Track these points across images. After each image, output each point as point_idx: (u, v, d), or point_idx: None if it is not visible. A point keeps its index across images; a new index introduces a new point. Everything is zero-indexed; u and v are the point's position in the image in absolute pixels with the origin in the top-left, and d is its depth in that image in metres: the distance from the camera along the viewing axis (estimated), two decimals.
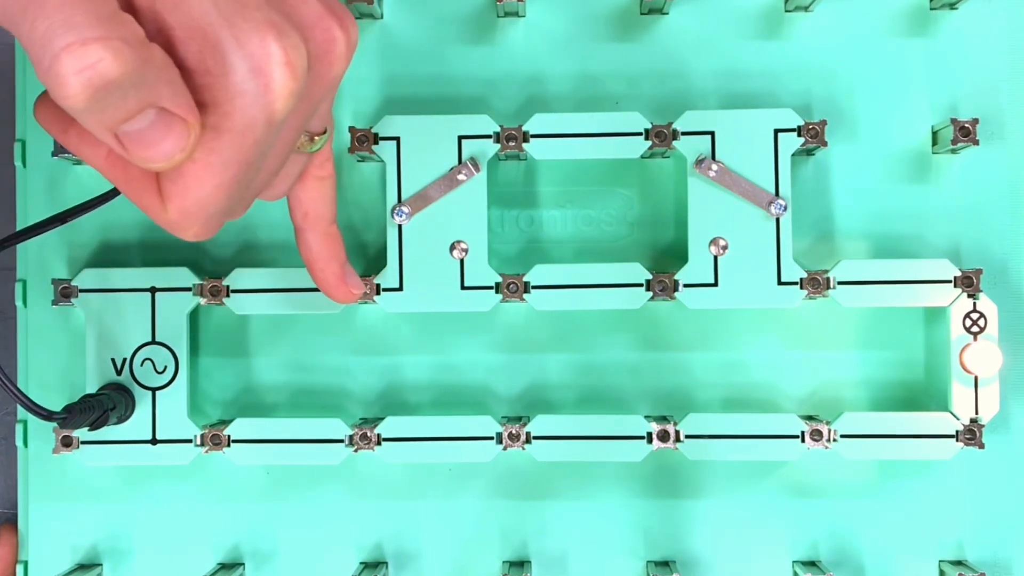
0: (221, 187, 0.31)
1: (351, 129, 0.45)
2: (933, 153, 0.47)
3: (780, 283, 0.44)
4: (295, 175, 0.38)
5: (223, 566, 0.47)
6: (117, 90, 0.27)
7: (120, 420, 0.45)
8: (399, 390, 0.48)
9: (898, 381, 0.47)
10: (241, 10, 0.29)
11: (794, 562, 0.47)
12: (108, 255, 0.48)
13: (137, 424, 0.45)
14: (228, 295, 0.45)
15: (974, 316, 0.44)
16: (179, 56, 0.29)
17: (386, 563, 0.47)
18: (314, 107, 0.33)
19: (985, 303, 0.44)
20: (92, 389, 0.46)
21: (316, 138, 0.36)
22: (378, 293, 0.45)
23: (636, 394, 0.48)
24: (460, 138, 0.44)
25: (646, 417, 0.45)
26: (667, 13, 0.47)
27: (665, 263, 0.47)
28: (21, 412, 0.48)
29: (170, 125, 0.29)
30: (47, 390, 0.47)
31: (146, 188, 0.31)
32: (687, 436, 0.44)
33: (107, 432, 0.45)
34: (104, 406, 0.43)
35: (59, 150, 0.46)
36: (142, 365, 0.46)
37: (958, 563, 0.46)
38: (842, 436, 0.44)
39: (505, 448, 0.45)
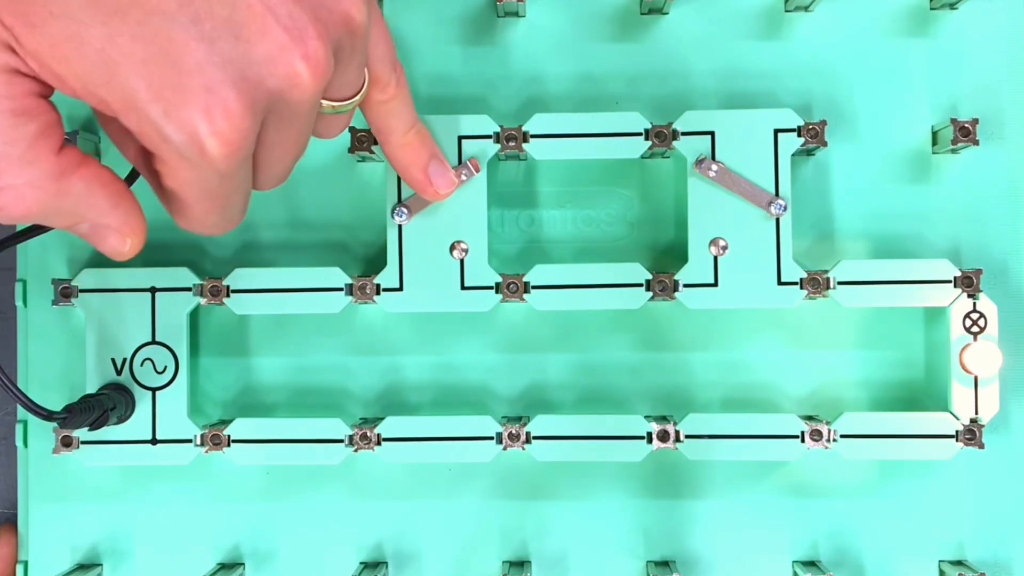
0: (209, 210, 0.33)
1: (351, 129, 0.44)
2: (933, 153, 0.47)
3: (780, 283, 0.44)
4: (344, 123, 0.37)
5: (223, 566, 0.47)
6: (38, 218, 0.31)
7: (120, 420, 0.45)
8: (399, 390, 0.48)
9: (898, 381, 0.47)
10: (174, 78, 0.29)
11: (794, 562, 0.47)
12: None
13: (137, 424, 0.45)
14: (228, 295, 0.45)
15: (974, 316, 0.44)
16: (124, 124, 0.30)
17: (386, 563, 0.47)
18: (307, 118, 0.32)
19: (985, 303, 0.44)
20: (92, 389, 0.46)
21: (351, 99, 0.35)
22: (378, 293, 0.45)
23: (636, 394, 0.48)
24: (460, 138, 0.44)
25: (646, 417, 0.45)
26: (667, 13, 0.47)
27: (665, 263, 0.47)
28: (21, 412, 0.48)
29: (103, 236, 0.32)
30: (47, 390, 0.47)
31: (164, 200, 0.33)
32: (687, 436, 0.44)
33: (107, 432, 0.45)
34: (104, 406, 0.43)
35: None
36: (142, 365, 0.46)
37: (958, 563, 0.46)
38: (842, 436, 0.44)
39: (505, 448, 0.45)
